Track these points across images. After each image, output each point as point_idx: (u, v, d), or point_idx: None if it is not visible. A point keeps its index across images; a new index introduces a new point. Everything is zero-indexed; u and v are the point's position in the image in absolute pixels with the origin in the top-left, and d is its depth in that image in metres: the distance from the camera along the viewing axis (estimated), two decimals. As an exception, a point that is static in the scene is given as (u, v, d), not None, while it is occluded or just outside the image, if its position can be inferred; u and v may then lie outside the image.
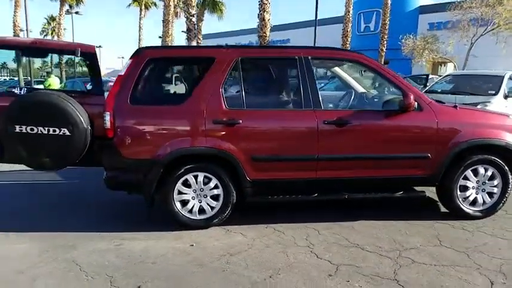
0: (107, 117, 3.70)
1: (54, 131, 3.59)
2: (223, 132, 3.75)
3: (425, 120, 3.93)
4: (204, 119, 3.73)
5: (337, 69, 4.99)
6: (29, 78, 15.66)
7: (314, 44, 19.29)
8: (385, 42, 23.98)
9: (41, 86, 11.71)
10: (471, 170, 4.07)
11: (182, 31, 24.97)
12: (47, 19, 38.69)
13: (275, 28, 35.28)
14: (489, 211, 4.18)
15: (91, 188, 5.20)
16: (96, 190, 5.16)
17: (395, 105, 3.95)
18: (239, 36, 43.11)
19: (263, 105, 3.94)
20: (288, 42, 33.50)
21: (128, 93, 3.72)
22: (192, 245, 3.58)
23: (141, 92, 3.81)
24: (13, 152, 3.68)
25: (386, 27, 23.95)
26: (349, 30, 22.63)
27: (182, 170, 3.77)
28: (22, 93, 3.85)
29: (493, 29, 19.54)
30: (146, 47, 3.95)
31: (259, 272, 3.08)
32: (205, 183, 3.85)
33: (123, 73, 3.79)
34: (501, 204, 4.17)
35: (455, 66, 19.55)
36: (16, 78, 19.62)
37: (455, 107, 4.11)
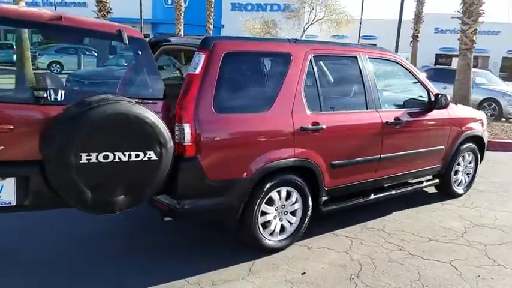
0: (187, 130, 2.77)
1: (137, 156, 2.42)
2: (309, 140, 3.32)
3: (443, 116, 4.40)
4: (292, 126, 3.21)
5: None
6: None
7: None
8: (212, 19, 24.02)
9: None
10: (461, 157, 4.83)
11: None
12: None
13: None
14: (468, 188, 5.06)
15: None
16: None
17: (422, 103, 4.29)
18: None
19: (338, 107, 3.64)
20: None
21: (210, 99, 2.85)
22: (304, 273, 3.11)
23: (225, 97, 2.96)
24: (68, 194, 2.33)
25: (212, 5, 24.02)
26: (182, 4, 21.66)
27: (268, 186, 3.18)
28: (59, 99, 2.38)
29: (320, 19, 22.36)
30: (216, 37, 3.06)
31: (410, 288, 2.97)
32: (286, 199, 3.37)
33: (197, 72, 2.86)
34: (474, 180, 5.10)
35: None
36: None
37: (456, 103, 4.74)
